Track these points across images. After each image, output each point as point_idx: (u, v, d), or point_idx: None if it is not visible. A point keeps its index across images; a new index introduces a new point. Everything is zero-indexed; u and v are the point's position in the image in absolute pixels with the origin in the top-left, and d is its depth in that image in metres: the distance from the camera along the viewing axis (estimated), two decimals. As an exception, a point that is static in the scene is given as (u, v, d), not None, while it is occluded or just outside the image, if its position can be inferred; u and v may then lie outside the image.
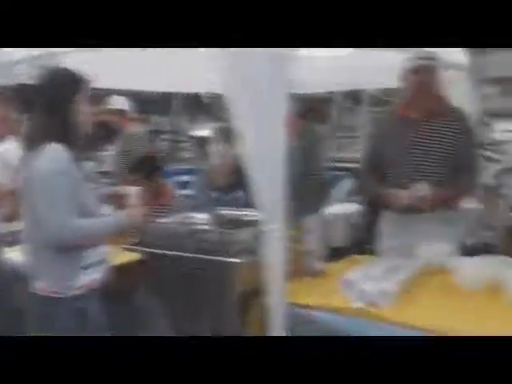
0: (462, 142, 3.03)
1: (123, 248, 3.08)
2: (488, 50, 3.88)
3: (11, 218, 3.05)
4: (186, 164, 8.20)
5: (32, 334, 2.24)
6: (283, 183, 2.39)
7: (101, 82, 3.48)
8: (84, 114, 2.31)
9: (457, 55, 4.10)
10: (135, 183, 2.71)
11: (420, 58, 2.98)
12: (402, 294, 2.40)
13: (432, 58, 3.01)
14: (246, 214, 2.93)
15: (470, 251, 3.03)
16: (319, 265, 2.79)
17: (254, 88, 2.34)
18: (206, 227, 3.00)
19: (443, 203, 3.00)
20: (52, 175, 2.15)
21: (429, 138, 3.03)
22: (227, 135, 3.61)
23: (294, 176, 2.41)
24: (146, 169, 3.98)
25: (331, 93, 7.33)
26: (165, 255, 2.94)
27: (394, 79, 3.16)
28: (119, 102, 5.28)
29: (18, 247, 2.77)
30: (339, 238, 3.86)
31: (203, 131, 8.88)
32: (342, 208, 4.52)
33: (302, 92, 4.33)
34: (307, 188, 3.40)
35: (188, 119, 12.19)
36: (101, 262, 2.33)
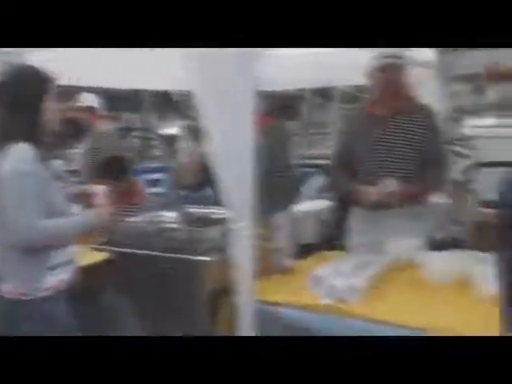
0: (428, 139, 3.06)
1: (91, 248, 3.05)
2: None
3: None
4: (156, 162, 8.15)
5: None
6: (251, 181, 2.40)
7: (70, 79, 3.45)
8: (51, 111, 2.27)
9: (425, 53, 4.14)
10: (104, 182, 2.68)
11: (386, 57, 3.01)
12: (371, 290, 2.41)
13: (398, 57, 3.04)
14: (214, 212, 2.92)
15: (438, 246, 3.06)
16: (288, 262, 2.80)
17: (222, 86, 2.34)
18: (175, 225, 2.98)
19: (411, 199, 3.03)
20: (19, 176, 2.12)
21: (395, 134, 3.06)
22: (196, 133, 3.60)
23: (262, 173, 2.42)
24: (115, 170, 3.94)
25: (302, 90, 7.35)
26: (134, 254, 2.92)
27: (364, 76, 3.19)
28: (88, 99, 5.22)
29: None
30: (309, 234, 3.87)
31: (172, 129, 8.85)
32: (312, 205, 4.53)
33: (271, 89, 4.34)
34: (276, 185, 3.41)
35: (158, 117, 12.14)
36: (68, 263, 2.30)
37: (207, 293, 2.66)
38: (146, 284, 2.92)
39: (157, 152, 10.74)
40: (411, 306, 2.33)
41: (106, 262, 2.95)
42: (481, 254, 2.54)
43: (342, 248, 3.22)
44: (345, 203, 3.39)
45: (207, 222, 2.92)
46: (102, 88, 5.41)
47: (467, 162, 5.91)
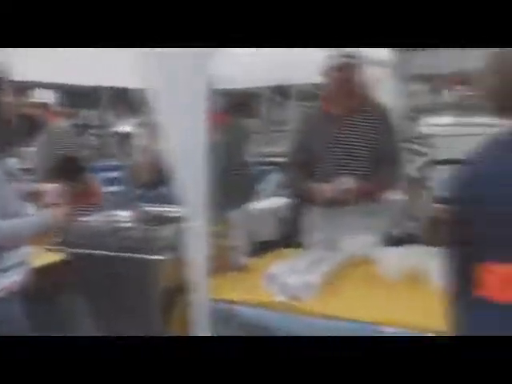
0: (383, 137, 3.11)
1: (46, 248, 3.01)
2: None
3: None
4: (112, 160, 8.07)
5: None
6: (207, 179, 2.40)
7: (26, 75, 3.39)
8: (4, 107, 2.22)
9: (382, 53, 4.19)
10: (59, 182, 2.64)
11: (341, 56, 3.04)
12: (326, 286, 2.43)
13: (352, 56, 3.08)
14: (169, 211, 2.91)
15: (394, 242, 3.11)
16: (244, 260, 2.80)
17: (178, 85, 2.34)
18: (130, 225, 2.96)
19: (366, 196, 3.07)
20: None
21: (350, 133, 3.10)
22: (151, 131, 3.58)
23: (219, 171, 2.42)
24: (70, 170, 3.88)
25: (260, 88, 7.36)
26: (89, 254, 2.88)
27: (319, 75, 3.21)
28: (43, 95, 5.12)
29: None
30: (266, 232, 3.88)
31: (128, 127, 8.77)
32: (269, 202, 4.55)
33: (228, 87, 4.33)
34: (233, 183, 3.41)
35: (115, 114, 12.01)
36: (21, 264, 2.26)
37: (162, 292, 2.65)
38: (101, 284, 2.89)
39: (113, 150, 10.63)
40: (366, 301, 2.36)
41: (61, 262, 2.91)
42: (435, 249, 2.59)
43: (298, 245, 3.24)
44: (302, 201, 3.41)
45: (162, 220, 2.91)
46: (58, 84, 5.32)
47: (424, 160, 6.01)
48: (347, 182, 2.98)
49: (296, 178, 3.34)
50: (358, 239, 2.85)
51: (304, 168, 3.21)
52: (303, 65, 4.02)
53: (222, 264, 2.64)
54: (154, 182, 3.72)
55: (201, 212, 2.42)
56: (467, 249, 1.54)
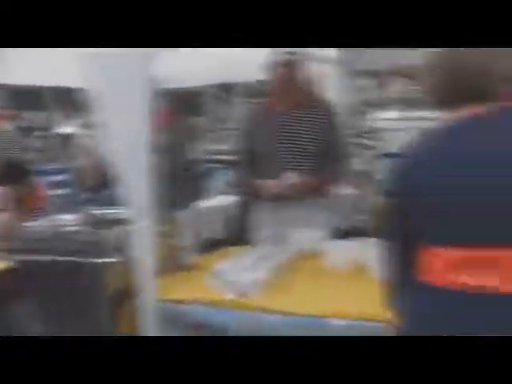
0: (328, 132, 3.14)
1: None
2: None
3: None
4: (58, 163, 7.92)
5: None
6: (152, 179, 2.39)
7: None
8: None
9: (328, 49, 4.22)
10: (3, 185, 2.58)
11: (284, 53, 3.06)
12: (274, 282, 2.45)
13: (294, 53, 3.10)
14: (115, 213, 2.87)
15: (342, 235, 3.15)
16: (192, 258, 2.80)
17: (122, 86, 2.33)
18: (76, 228, 2.92)
19: (314, 190, 3.10)
20: None
21: (294, 129, 3.13)
22: (95, 133, 3.54)
23: (165, 170, 2.41)
24: (15, 174, 3.79)
25: (206, 86, 7.34)
26: (35, 260, 2.82)
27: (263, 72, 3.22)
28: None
29: None
30: (215, 230, 3.87)
31: (73, 129, 8.64)
32: (218, 200, 4.55)
33: (173, 86, 4.31)
34: (180, 182, 3.40)
35: (59, 115, 11.79)
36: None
37: (110, 294, 2.62)
38: (48, 288, 2.84)
39: (59, 152, 10.43)
40: (314, 295, 2.38)
41: (8, 269, 2.85)
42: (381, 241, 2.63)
43: (246, 242, 3.25)
44: (249, 198, 3.42)
45: (109, 222, 2.87)
46: (1, 85, 5.20)
47: (372, 153, 6.11)
48: (293, 178, 3.00)
49: (242, 175, 3.36)
50: (306, 233, 2.88)
51: (250, 165, 3.22)
52: (249, 62, 4.03)
53: (169, 264, 2.64)
54: (99, 184, 3.68)
55: (147, 212, 2.41)
56: (408, 236, 1.58)
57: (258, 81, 3.42)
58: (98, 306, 2.63)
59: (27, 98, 10.04)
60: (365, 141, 6.28)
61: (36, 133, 10.87)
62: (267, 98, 3.34)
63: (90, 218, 2.98)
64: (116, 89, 2.34)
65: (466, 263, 1.48)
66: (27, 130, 9.58)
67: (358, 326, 2.12)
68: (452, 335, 1.43)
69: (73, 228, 2.93)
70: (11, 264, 2.88)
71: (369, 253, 2.52)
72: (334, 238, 3.02)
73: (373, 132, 7.03)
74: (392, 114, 9.00)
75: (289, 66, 3.09)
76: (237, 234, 3.73)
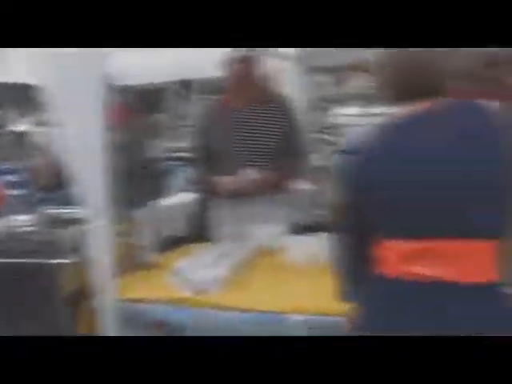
0: (285, 128, 3.15)
1: None
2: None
3: None
4: (13, 162, 7.74)
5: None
6: (109, 178, 2.36)
7: None
8: None
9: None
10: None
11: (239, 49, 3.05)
12: (233, 279, 2.44)
13: (252, 49, 3.09)
14: (71, 212, 2.83)
15: (302, 231, 3.15)
16: (152, 257, 2.77)
17: (77, 83, 2.29)
18: (32, 228, 2.86)
19: (273, 186, 3.10)
20: None
21: (250, 125, 3.12)
22: (50, 132, 3.48)
23: (123, 168, 2.38)
24: None
25: (165, 83, 7.27)
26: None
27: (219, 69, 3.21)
28: None
29: None
30: (177, 227, 3.85)
31: (26, 127, 8.49)
32: (178, 198, 4.53)
33: (131, 83, 4.27)
34: (139, 180, 3.37)
35: (14, 113, 11.56)
36: None
37: (68, 294, 2.58)
38: (4, 291, 2.79)
39: (13, 151, 10.21)
40: (274, 290, 2.38)
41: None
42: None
43: (207, 240, 3.24)
44: (209, 195, 3.40)
45: (65, 222, 2.83)
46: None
47: (332, 149, 6.14)
48: (251, 174, 3.00)
49: (200, 172, 3.34)
50: (265, 229, 2.89)
51: (207, 162, 3.21)
52: (208, 58, 4.01)
53: (128, 263, 2.61)
54: (54, 183, 3.62)
55: (103, 212, 2.38)
56: (362, 230, 1.61)
57: (217, 77, 3.40)
58: (56, 306, 2.59)
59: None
60: (325, 136, 6.31)
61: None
62: (223, 94, 3.33)
63: (46, 218, 2.93)
64: (71, 86, 2.31)
65: (417, 255, 1.52)
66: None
67: (316, 321, 2.13)
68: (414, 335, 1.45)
69: (28, 228, 2.88)
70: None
71: (328, 248, 2.54)
72: (293, 233, 3.02)
73: (333, 128, 7.07)
74: (352, 109, 9.06)
75: (245, 62, 3.08)
76: (198, 232, 3.72)
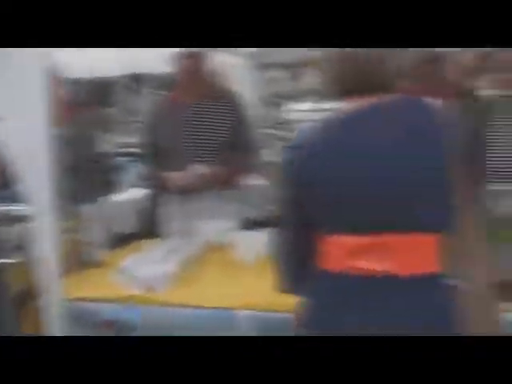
0: (234, 123, 3.14)
1: None
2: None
3: None
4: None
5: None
6: (55, 174, 2.32)
7: None
8: None
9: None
10: None
11: None
12: (182, 275, 2.43)
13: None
14: (16, 210, 2.77)
15: (252, 226, 3.15)
16: (99, 255, 2.74)
17: (21, 77, 2.25)
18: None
19: (222, 181, 3.10)
20: None
21: (200, 121, 3.12)
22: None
23: (70, 164, 2.34)
24: None
25: (116, 77, 7.20)
26: None
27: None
28: None
29: None
30: (127, 224, 3.81)
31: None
32: (128, 194, 4.48)
33: (83, 76, 4.21)
34: (88, 175, 3.32)
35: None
36: None
37: (15, 294, 2.53)
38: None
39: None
40: (223, 287, 2.39)
41: None
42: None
43: (157, 236, 3.21)
44: (159, 191, 3.38)
45: (10, 220, 2.77)
46: None
47: (285, 145, 6.15)
48: (199, 169, 2.99)
49: (150, 168, 3.32)
50: (215, 225, 2.88)
51: (155, 158, 3.19)
52: (157, 53, 3.97)
53: (75, 261, 2.57)
54: (1, 181, 3.54)
55: (50, 208, 2.34)
56: (306, 226, 1.61)
57: (167, 72, 3.37)
58: (1, 306, 2.54)
59: None
60: (278, 132, 6.33)
61: None
62: (172, 89, 3.30)
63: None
64: (14, 80, 2.25)
65: (361, 249, 1.54)
66: None
67: (266, 317, 2.14)
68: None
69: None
70: None
71: (273, 243, 2.54)
72: (243, 229, 3.02)
73: (286, 123, 7.10)
74: (305, 105, 9.12)
75: (194, 57, 3.07)
76: (148, 228, 3.68)
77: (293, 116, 7.81)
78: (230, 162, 3.10)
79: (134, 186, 4.80)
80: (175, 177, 3.03)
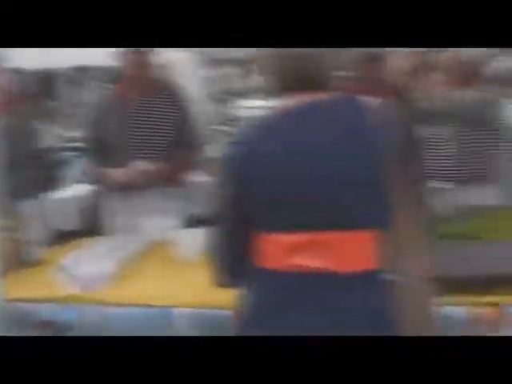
0: (179, 119, 3.12)
1: None
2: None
3: None
4: None
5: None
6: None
7: None
8: None
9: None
10: None
11: None
12: (123, 273, 2.41)
13: None
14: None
15: (196, 223, 3.13)
16: (39, 253, 2.68)
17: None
18: None
19: (167, 178, 3.07)
20: None
21: (145, 116, 3.08)
22: None
23: (10, 158, 2.29)
24: None
25: (61, 68, 7.05)
26: None
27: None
28: None
29: None
30: (68, 221, 3.73)
31: None
32: (72, 190, 4.40)
33: (24, 66, 4.11)
34: (28, 171, 3.25)
35: None
36: None
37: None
38: None
39: None
40: (165, 285, 2.36)
41: None
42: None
43: (99, 233, 3.17)
44: (102, 187, 3.32)
45: None
46: None
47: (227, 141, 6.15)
48: (142, 165, 2.96)
49: (93, 163, 3.26)
50: (158, 222, 2.85)
51: (99, 153, 3.14)
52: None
53: (14, 260, 2.51)
54: None
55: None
56: (244, 223, 1.61)
57: (114, 66, 3.32)
58: None
59: None
60: (227, 128, 6.32)
61: None
62: (118, 83, 3.26)
63: None
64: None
65: (299, 247, 1.55)
66: None
67: (207, 314, 2.13)
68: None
69: None
70: None
71: (211, 240, 2.53)
72: (187, 226, 3.00)
73: (237, 120, 7.10)
74: (257, 102, 9.13)
75: (140, 51, 3.02)
76: (91, 225, 3.62)
77: (243, 113, 7.82)
78: (174, 159, 3.08)
79: (78, 181, 4.72)
80: (115, 173, 2.99)
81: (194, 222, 3.15)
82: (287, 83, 1.60)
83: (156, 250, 2.74)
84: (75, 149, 5.24)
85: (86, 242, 2.89)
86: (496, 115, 3.13)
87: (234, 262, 1.69)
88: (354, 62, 2.38)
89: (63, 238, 3.12)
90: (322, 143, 1.52)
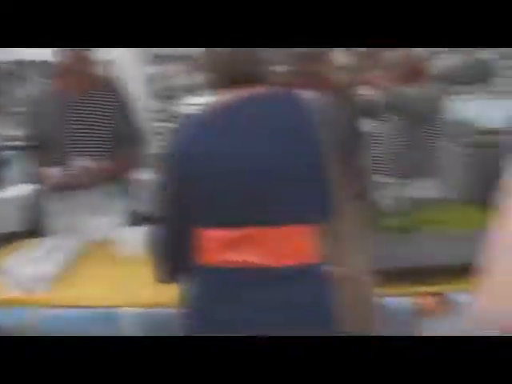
0: (120, 116, 3.07)
1: None
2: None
3: None
4: None
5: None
6: None
7: None
8: None
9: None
10: None
11: None
12: (65, 274, 2.36)
13: None
14: None
15: (141, 221, 3.10)
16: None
17: None
18: None
19: (108, 176, 3.02)
20: None
21: (84, 113, 3.02)
22: None
23: None
24: None
25: (2, 62, 6.86)
26: None
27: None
28: None
29: None
30: (9, 222, 3.65)
31: None
32: (13, 190, 4.29)
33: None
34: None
35: None
36: None
37: None
38: None
39: None
40: (109, 284, 2.32)
41: None
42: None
43: (40, 234, 3.10)
44: (43, 186, 3.25)
45: None
46: None
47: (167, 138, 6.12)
48: (84, 163, 2.90)
49: (31, 162, 3.18)
50: (101, 221, 2.81)
51: (40, 152, 3.06)
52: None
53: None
54: None
55: None
56: (182, 220, 1.61)
57: (53, 61, 3.24)
58: None
59: None
60: (171, 125, 6.28)
61: None
62: (56, 79, 3.18)
63: None
64: None
65: (237, 243, 1.56)
66: None
67: (153, 313, 2.11)
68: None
69: None
70: None
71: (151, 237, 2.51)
72: (131, 224, 2.97)
73: (180, 117, 7.07)
74: (200, 99, 9.11)
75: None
76: (33, 226, 3.55)
77: (188, 110, 7.79)
78: (117, 156, 3.03)
79: (18, 181, 4.61)
80: (53, 172, 2.92)
81: (137, 220, 3.12)
82: (224, 79, 1.60)
83: (99, 249, 2.69)
84: (15, 148, 5.13)
85: (28, 244, 2.83)
86: (438, 111, 3.20)
87: (174, 258, 1.68)
88: (293, 56, 2.39)
89: (3, 239, 3.05)
90: (259, 138, 1.53)
